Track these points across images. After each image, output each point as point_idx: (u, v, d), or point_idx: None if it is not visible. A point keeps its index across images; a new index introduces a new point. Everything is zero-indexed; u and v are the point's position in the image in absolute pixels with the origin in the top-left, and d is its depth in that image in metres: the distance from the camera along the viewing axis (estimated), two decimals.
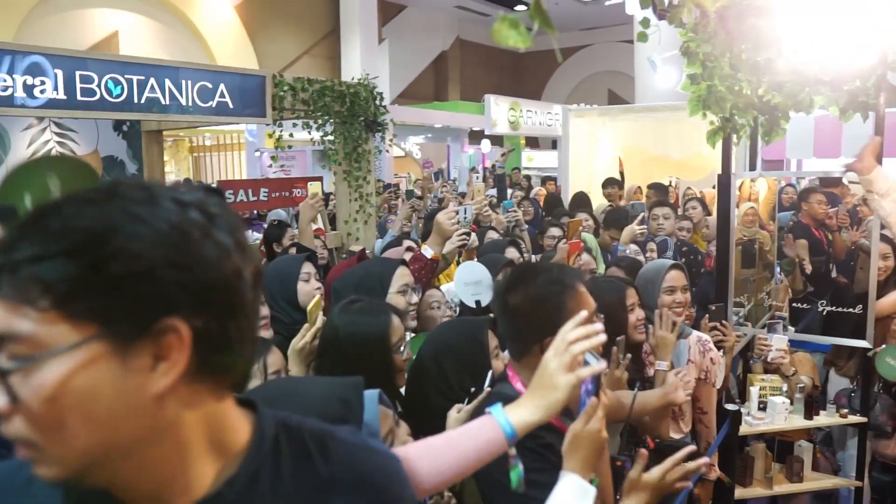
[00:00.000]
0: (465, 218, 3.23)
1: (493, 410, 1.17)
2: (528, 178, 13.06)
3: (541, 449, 1.46)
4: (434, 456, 1.12)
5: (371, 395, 1.45)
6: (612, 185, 6.53)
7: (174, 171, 14.82)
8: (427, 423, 1.74)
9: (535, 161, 16.98)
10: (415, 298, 2.48)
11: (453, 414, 1.76)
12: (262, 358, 1.82)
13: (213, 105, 4.32)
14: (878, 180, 2.40)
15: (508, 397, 1.58)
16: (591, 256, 3.74)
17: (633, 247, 4.02)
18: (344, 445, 0.81)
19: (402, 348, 1.88)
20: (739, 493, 3.29)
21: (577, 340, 1.19)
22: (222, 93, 4.31)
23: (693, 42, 2.75)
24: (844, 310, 3.58)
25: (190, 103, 4.23)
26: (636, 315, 2.42)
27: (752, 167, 3.75)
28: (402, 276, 2.47)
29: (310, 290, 2.59)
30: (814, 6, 2.73)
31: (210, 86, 4.29)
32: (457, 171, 14.57)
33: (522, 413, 1.17)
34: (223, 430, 0.72)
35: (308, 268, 2.66)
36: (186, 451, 0.68)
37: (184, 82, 4.18)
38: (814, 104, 3.30)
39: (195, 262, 0.63)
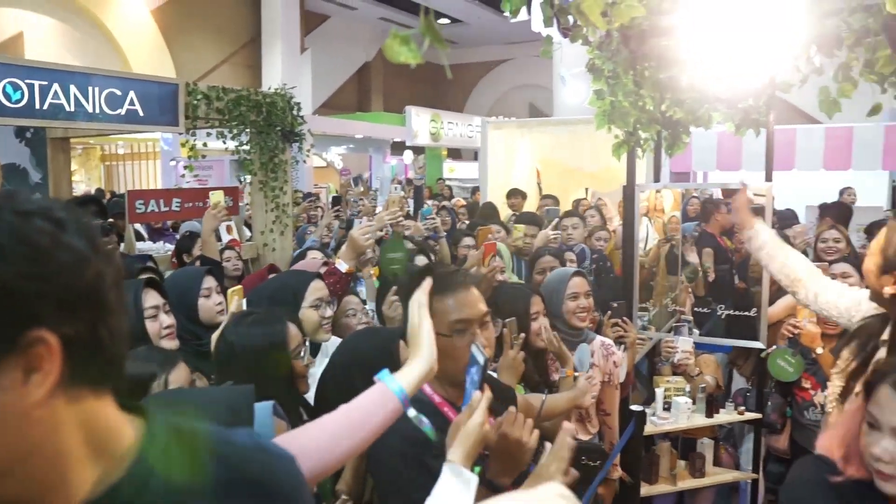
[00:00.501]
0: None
1: (380, 377, 1.24)
2: (449, 188, 13.21)
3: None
4: (330, 433, 1.15)
5: (264, 406, 1.45)
6: (516, 195, 6.73)
7: (84, 180, 14.20)
8: None
9: (456, 172, 17.17)
10: (328, 312, 2.49)
11: None
12: (165, 374, 1.79)
13: (123, 113, 4.18)
14: (754, 238, 2.56)
15: (419, 400, 1.62)
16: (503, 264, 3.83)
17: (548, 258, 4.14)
18: (236, 448, 0.81)
19: (301, 354, 1.89)
20: (646, 490, 3.43)
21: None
22: (132, 100, 4.18)
23: (598, 59, 2.88)
24: (741, 313, 3.80)
25: (98, 110, 4.08)
26: (539, 323, 2.51)
27: (657, 179, 3.94)
28: (316, 290, 2.47)
29: (211, 305, 2.56)
30: (711, 30, 2.91)
31: (119, 93, 4.15)
32: (379, 181, 14.57)
33: (407, 371, 1.26)
34: (106, 435, 0.71)
35: (209, 282, 2.63)
36: (67, 459, 0.67)
37: (91, 89, 4.03)
38: (712, 120, 3.51)
39: (51, 270, 0.63)
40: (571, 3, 1.80)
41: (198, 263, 3.70)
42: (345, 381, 1.93)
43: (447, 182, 14.13)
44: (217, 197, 3.57)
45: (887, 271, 1.73)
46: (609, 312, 3.16)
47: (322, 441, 1.13)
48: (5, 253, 0.61)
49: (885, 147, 6.61)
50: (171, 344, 2.29)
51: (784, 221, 5.66)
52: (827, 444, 1.41)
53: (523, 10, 2.03)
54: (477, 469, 1.37)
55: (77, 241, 0.65)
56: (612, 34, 2.64)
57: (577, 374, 2.62)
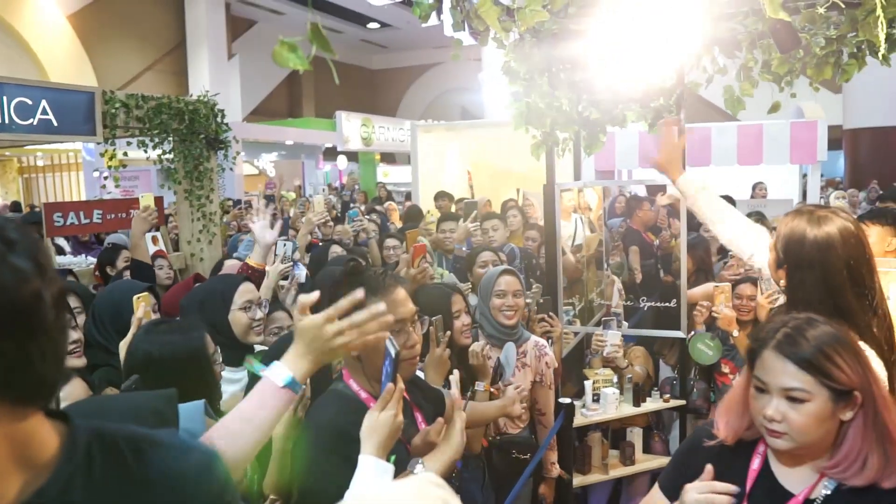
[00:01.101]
0: (286, 252, 3.31)
1: (269, 373, 1.30)
2: (387, 191, 13.21)
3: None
4: (234, 432, 1.20)
5: (197, 405, 1.46)
6: (444, 198, 6.83)
7: (0, 194, 13.57)
8: None
9: (390, 176, 17.18)
10: (259, 314, 2.48)
11: None
12: (59, 388, 1.76)
13: (35, 122, 4.04)
14: (685, 185, 2.65)
15: (345, 396, 1.64)
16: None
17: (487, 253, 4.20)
18: (159, 447, 0.82)
19: (218, 361, 1.90)
20: (579, 480, 3.53)
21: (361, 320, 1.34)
22: (45, 109, 4.04)
23: (514, 61, 2.96)
24: (664, 304, 3.96)
25: (8, 120, 3.93)
26: (462, 321, 2.54)
27: (578, 178, 4.06)
28: (245, 293, 2.47)
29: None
30: (617, 33, 3.03)
31: (31, 102, 4.01)
32: (312, 188, 14.43)
33: (300, 364, 1.32)
34: (29, 446, 0.72)
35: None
36: None
37: (1, 98, 3.88)
38: (627, 119, 3.65)
39: None
40: (472, 8, 1.86)
41: (126, 274, 3.61)
42: None
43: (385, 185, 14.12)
44: (147, 200, 3.50)
45: (780, 266, 1.82)
46: (535, 308, 3.23)
47: (226, 437, 1.16)
48: None
49: (792, 142, 6.99)
50: (77, 362, 2.25)
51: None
52: (717, 412, 1.52)
53: (434, 15, 2.08)
54: (392, 458, 1.40)
55: (22, 262, 0.67)
56: (525, 37, 2.73)
57: (502, 378, 2.67)
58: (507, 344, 2.77)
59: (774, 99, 3.24)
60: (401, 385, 1.41)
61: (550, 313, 3.16)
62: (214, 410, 1.64)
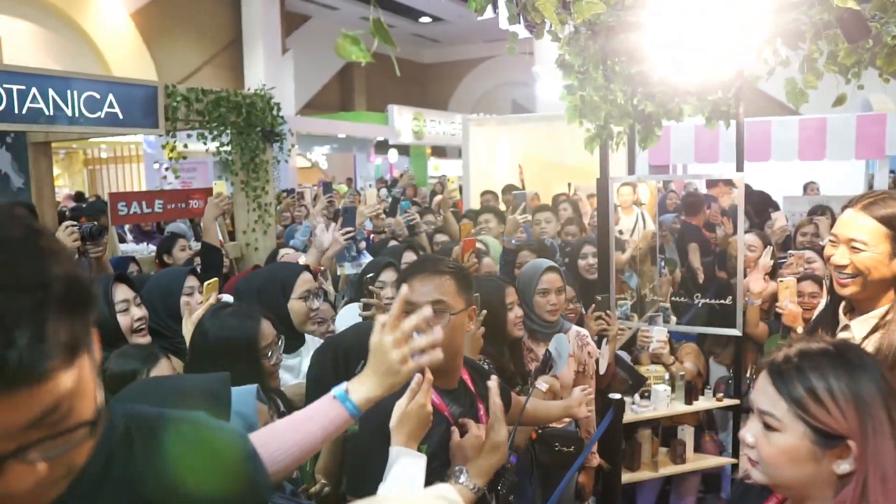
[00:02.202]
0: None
1: (336, 394, 1.25)
2: (443, 186, 13.20)
3: None
4: (280, 439, 1.20)
5: (249, 389, 1.51)
6: (510, 191, 6.79)
7: (67, 184, 14.12)
8: None
9: (441, 170, 17.22)
10: (316, 304, 2.54)
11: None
12: (147, 370, 1.84)
13: (102, 116, 4.20)
14: None
15: None
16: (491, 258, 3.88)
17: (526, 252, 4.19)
18: (192, 425, 0.87)
19: (270, 353, 1.94)
20: (628, 476, 3.50)
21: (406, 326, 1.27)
22: (111, 103, 4.19)
23: (569, 54, 2.94)
24: (718, 302, 3.88)
25: (77, 114, 4.10)
26: (515, 313, 2.55)
27: (632, 172, 4.00)
28: (304, 282, 2.52)
29: (193, 304, 2.60)
30: (676, 24, 2.98)
31: (98, 96, 4.17)
32: (363, 181, 14.58)
33: (363, 391, 1.24)
34: None
35: (192, 282, 2.66)
36: None
37: (70, 92, 4.04)
38: (683, 113, 3.58)
39: None
40: (528, 0, 1.85)
41: (196, 260, 3.72)
42: (340, 370, 2.00)
43: (430, 180, 14.14)
44: (220, 187, 3.61)
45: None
46: (592, 306, 3.20)
47: (271, 445, 1.17)
48: None
49: (858, 137, 6.72)
50: (143, 339, 2.34)
51: (760, 206, 5.74)
52: None
53: (490, 8, 2.08)
54: (424, 448, 1.42)
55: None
56: (580, 30, 2.70)
57: (552, 370, 2.65)
58: (558, 336, 2.76)
59: (840, 92, 3.13)
60: (429, 376, 1.40)
61: (607, 311, 3.13)
62: (268, 398, 1.68)
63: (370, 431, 1.54)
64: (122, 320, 2.33)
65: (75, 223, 2.97)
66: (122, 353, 1.94)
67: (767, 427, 1.18)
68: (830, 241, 1.81)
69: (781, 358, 1.21)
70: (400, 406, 1.39)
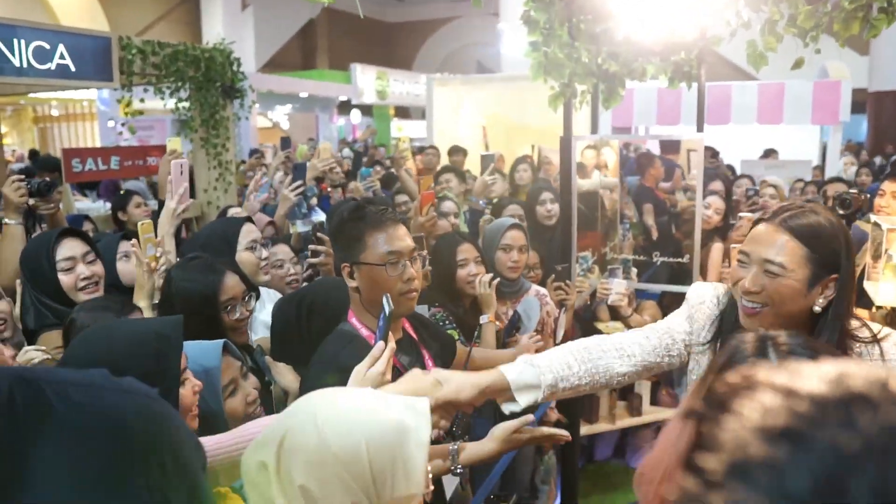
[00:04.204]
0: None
1: None
2: (415, 150, 13.10)
3: None
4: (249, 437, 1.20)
5: (215, 345, 1.50)
6: (458, 153, 6.84)
7: (16, 143, 13.63)
8: None
9: (404, 131, 17.08)
10: (264, 253, 2.52)
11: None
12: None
13: (53, 67, 4.03)
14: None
15: (347, 334, 1.69)
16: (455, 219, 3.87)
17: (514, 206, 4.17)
18: (90, 389, 0.77)
19: (235, 307, 1.93)
20: (586, 429, 3.61)
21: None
22: (62, 54, 4.03)
23: (534, 11, 2.92)
24: (675, 260, 3.98)
25: (25, 65, 3.92)
26: (467, 270, 2.56)
27: (595, 132, 4.04)
28: (248, 233, 2.49)
29: (130, 269, 2.46)
30: None
31: (48, 46, 3.99)
32: (324, 140, 14.37)
33: None
34: None
35: (125, 247, 2.55)
36: None
37: (17, 41, 3.86)
38: (646, 73, 3.60)
39: None
40: None
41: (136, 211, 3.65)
42: (303, 324, 2.01)
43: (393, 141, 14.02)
44: (175, 144, 3.53)
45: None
46: (552, 277, 3.24)
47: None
48: None
49: (814, 102, 6.86)
50: (95, 296, 2.26)
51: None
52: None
53: None
54: None
55: None
56: None
57: (520, 332, 2.68)
58: (529, 299, 2.79)
59: (798, 56, 3.19)
60: (392, 345, 1.41)
61: (567, 281, 3.18)
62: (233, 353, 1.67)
63: (323, 384, 1.55)
64: (65, 279, 2.22)
65: (23, 177, 2.86)
66: (89, 305, 1.90)
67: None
68: (739, 260, 1.47)
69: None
70: (359, 371, 1.36)
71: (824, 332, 1.39)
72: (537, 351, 2.59)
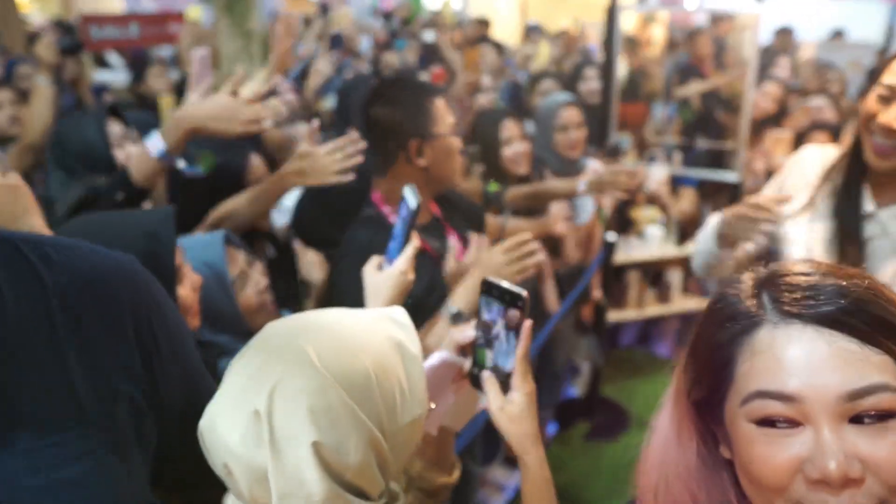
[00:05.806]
0: None
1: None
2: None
3: None
4: None
5: (215, 237, 1.42)
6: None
7: (38, 7, 13.28)
8: None
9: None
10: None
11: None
12: None
13: None
14: None
15: (372, 217, 1.61)
16: None
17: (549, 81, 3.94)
18: (68, 250, 0.79)
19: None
20: (614, 315, 3.58)
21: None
22: None
23: None
24: (719, 147, 3.79)
25: None
26: (513, 148, 2.43)
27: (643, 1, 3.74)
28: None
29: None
30: None
31: None
32: (356, 12, 13.75)
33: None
34: None
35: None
36: None
37: None
38: None
39: None
40: None
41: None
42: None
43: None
44: (194, 12, 3.34)
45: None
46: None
47: None
48: None
49: None
50: None
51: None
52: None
53: None
54: (409, 301, 1.36)
55: None
56: None
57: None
58: (584, 199, 2.66)
59: None
60: (416, 243, 1.29)
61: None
62: (252, 240, 1.60)
63: (349, 264, 1.48)
64: (118, 154, 2.18)
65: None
66: None
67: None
68: (881, 95, 1.28)
69: None
70: (377, 273, 1.28)
71: None
72: None
